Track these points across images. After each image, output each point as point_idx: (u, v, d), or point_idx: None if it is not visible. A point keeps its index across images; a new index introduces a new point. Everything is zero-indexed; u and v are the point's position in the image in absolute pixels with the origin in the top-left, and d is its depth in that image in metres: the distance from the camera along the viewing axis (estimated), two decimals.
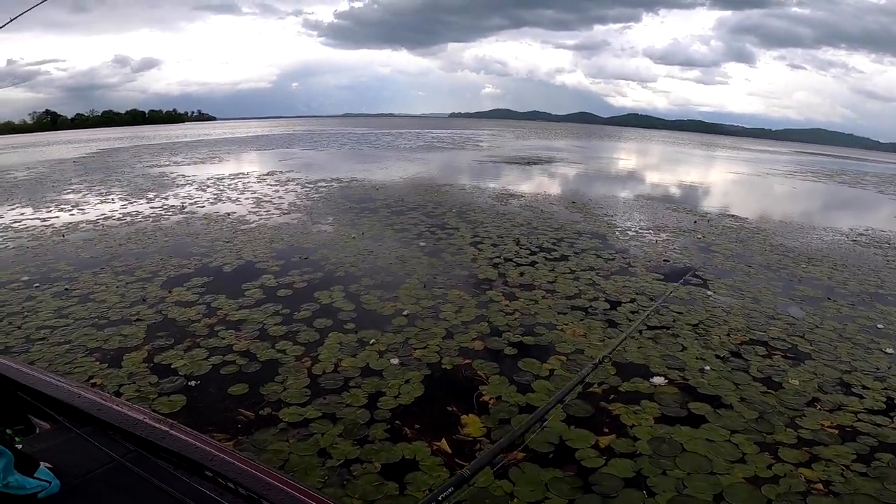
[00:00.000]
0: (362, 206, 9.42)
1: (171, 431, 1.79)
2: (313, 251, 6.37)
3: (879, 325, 4.74)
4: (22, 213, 9.05)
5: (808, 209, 13.22)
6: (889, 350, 4.18)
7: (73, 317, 4.34)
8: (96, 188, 12.08)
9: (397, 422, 2.96)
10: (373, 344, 3.88)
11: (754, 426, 3.05)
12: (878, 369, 3.85)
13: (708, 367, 3.74)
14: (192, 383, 3.31)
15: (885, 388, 3.56)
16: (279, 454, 2.63)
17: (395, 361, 3.62)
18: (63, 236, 7.24)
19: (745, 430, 3.01)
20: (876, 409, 3.30)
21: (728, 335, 4.33)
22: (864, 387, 3.58)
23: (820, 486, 2.57)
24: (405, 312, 4.47)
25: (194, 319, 4.30)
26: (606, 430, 2.96)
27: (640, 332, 4.29)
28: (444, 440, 2.81)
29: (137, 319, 4.30)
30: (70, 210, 9.28)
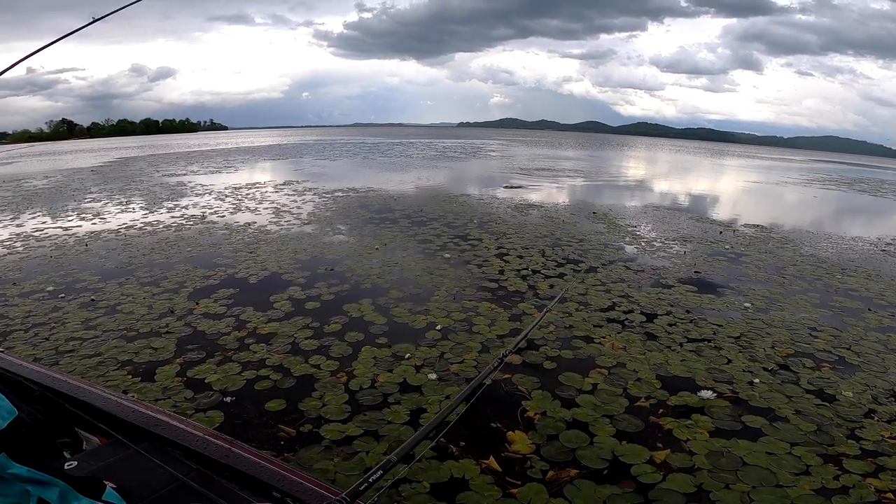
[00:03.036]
0: (382, 217, 9.37)
1: (234, 449, 1.71)
2: (338, 262, 6.31)
3: None
4: (43, 222, 9.11)
5: (832, 218, 12.99)
6: None
7: (101, 328, 4.29)
8: (116, 197, 12.17)
9: (442, 439, 2.83)
10: (408, 358, 3.78)
11: (814, 438, 2.95)
12: None
13: (757, 380, 3.62)
14: (228, 399, 3.22)
15: None
16: (326, 473, 2.53)
17: (432, 377, 3.52)
18: (86, 246, 7.25)
19: (805, 442, 2.91)
20: None
21: (773, 347, 4.19)
22: None
23: (891, 495, 2.48)
24: (438, 326, 4.37)
25: (224, 332, 4.23)
26: (660, 445, 2.85)
27: (681, 344, 4.17)
28: (492, 458, 2.70)
29: (167, 332, 4.24)
30: (91, 219, 9.34)
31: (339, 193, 12.50)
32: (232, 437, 1.82)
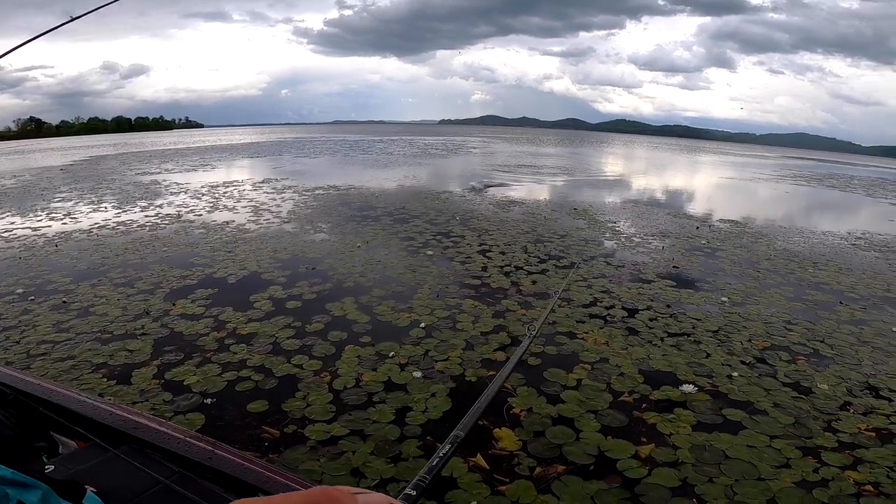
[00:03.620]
0: (364, 215, 9.29)
1: (217, 451, 1.67)
2: (319, 261, 6.23)
3: (894, 329, 4.72)
4: (12, 223, 8.79)
5: (804, 213, 13.37)
6: None
7: (73, 331, 4.16)
8: (87, 196, 11.80)
9: (429, 437, 2.83)
10: (392, 357, 3.75)
11: (793, 431, 3.01)
12: None
13: (735, 374, 3.68)
14: (209, 401, 3.15)
15: None
16: (312, 474, 2.49)
17: (417, 375, 3.49)
18: (56, 246, 7.01)
19: (785, 435, 2.97)
20: None
21: (749, 341, 4.28)
22: (890, 390, 3.55)
23: (870, 487, 2.54)
24: (422, 324, 4.35)
25: (203, 333, 4.14)
26: (644, 440, 2.88)
27: (662, 339, 4.23)
28: (479, 455, 2.69)
29: (143, 334, 4.12)
30: (61, 219, 9.03)
31: (320, 191, 12.36)
32: (215, 439, 1.78)
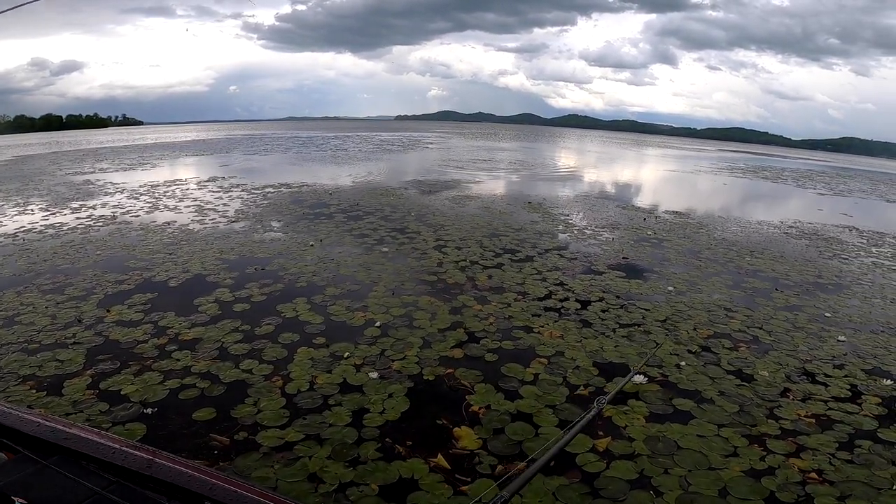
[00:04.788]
0: (317, 212, 9.04)
1: (156, 459, 1.57)
2: (269, 261, 5.99)
3: (827, 314, 5.03)
4: None
5: (740, 204, 14.11)
6: (841, 338, 4.43)
7: None
8: (12, 198, 10.89)
9: (387, 439, 2.77)
10: (347, 358, 3.65)
11: (738, 419, 3.12)
12: (834, 357, 4.06)
13: (683, 363, 3.81)
14: (149, 410, 2.96)
15: (846, 376, 3.74)
16: (266, 481, 2.39)
17: (374, 375, 3.41)
18: None
19: (731, 423, 3.07)
20: (842, 396, 3.46)
21: (695, 329, 4.45)
22: (826, 375, 3.75)
23: (814, 475, 2.64)
24: (377, 323, 4.26)
25: (141, 340, 3.88)
26: (601, 433, 2.92)
27: (614, 330, 4.33)
28: (440, 455, 2.65)
29: (74, 342, 3.83)
30: None
31: (270, 189, 11.94)
32: (155, 448, 1.67)
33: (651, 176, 21.60)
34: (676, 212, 10.77)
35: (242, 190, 11.87)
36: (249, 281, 5.26)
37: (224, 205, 9.85)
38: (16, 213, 9.21)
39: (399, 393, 3.22)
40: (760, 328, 4.57)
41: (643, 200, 12.49)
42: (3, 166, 19.48)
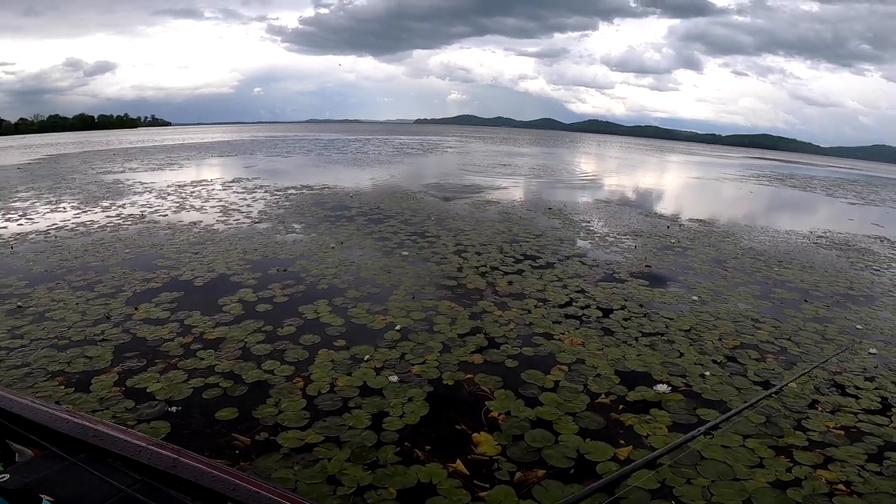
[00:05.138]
0: (338, 215, 9.14)
1: (182, 459, 1.59)
2: (291, 262, 6.07)
3: (858, 326, 4.88)
4: None
5: (768, 212, 13.80)
6: (872, 350, 4.29)
7: (28, 337, 3.93)
8: (45, 196, 11.27)
9: (406, 443, 2.77)
10: (367, 360, 3.67)
11: (764, 430, 3.06)
12: (865, 370, 3.94)
13: (707, 373, 3.74)
14: (174, 409, 3.01)
15: (877, 389, 3.64)
16: (286, 482, 2.41)
17: (393, 379, 3.42)
18: (11, 248, 6.66)
19: (757, 434, 3.01)
20: (873, 409, 3.36)
21: (720, 339, 4.36)
22: (856, 387, 3.65)
23: (841, 486, 2.59)
24: (397, 326, 4.27)
25: (167, 338, 3.96)
26: (622, 442, 2.89)
27: (636, 339, 4.27)
28: (458, 461, 2.64)
29: (103, 339, 3.93)
30: (17, 220, 8.59)
31: (293, 191, 12.11)
32: (180, 447, 1.70)
33: (674, 183, 21.27)
34: (701, 220, 10.57)
35: (265, 191, 12.07)
36: (272, 282, 5.33)
37: (248, 205, 10.03)
38: (48, 210, 9.52)
39: (419, 397, 3.22)
40: (789, 339, 4.46)
41: (666, 208, 12.30)
42: (37, 165, 20.17)
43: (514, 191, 13.81)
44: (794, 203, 17.15)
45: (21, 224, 8.27)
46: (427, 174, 17.30)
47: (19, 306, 4.57)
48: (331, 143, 38.64)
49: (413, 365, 3.64)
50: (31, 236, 7.37)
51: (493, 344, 4.04)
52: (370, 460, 2.62)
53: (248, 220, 8.58)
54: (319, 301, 4.80)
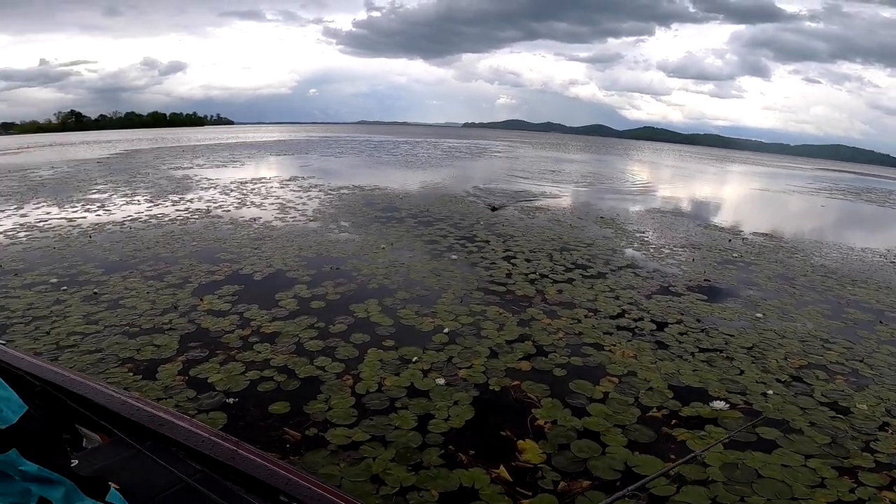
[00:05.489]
0: (388, 216, 9.31)
1: (239, 451, 1.65)
2: (344, 261, 6.24)
3: None
4: (48, 213, 9.08)
5: (841, 228, 12.89)
6: None
7: (103, 323, 4.23)
8: (121, 189, 12.13)
9: (451, 446, 2.78)
10: (415, 362, 3.71)
11: (829, 450, 2.92)
12: None
13: (770, 391, 3.57)
14: (231, 400, 3.15)
15: None
16: (331, 479, 2.46)
17: (440, 382, 3.44)
18: (90, 237, 7.20)
19: (821, 454, 2.88)
20: None
21: (786, 359, 4.13)
22: None
23: None
24: (445, 329, 4.30)
25: (228, 330, 4.16)
26: (673, 457, 2.79)
27: (693, 354, 4.10)
28: (502, 467, 2.63)
29: (170, 328, 4.17)
30: (96, 210, 9.30)
31: (345, 191, 12.44)
32: (238, 439, 1.76)
33: (736, 194, 20.23)
34: (766, 234, 10.00)
35: (319, 190, 12.46)
36: (325, 279, 5.50)
37: (303, 203, 10.39)
38: (124, 202, 10.24)
39: (464, 401, 3.23)
40: (861, 361, 4.17)
41: (727, 220, 11.71)
42: (114, 159, 21.74)
43: (563, 198, 13.58)
44: (870, 219, 15.94)
45: (99, 215, 8.93)
46: (476, 178, 17.29)
47: (95, 293, 4.93)
48: (381, 144, 39.41)
49: (460, 369, 3.65)
50: (108, 227, 7.95)
51: (542, 352, 3.99)
52: (414, 461, 2.64)
53: (304, 218, 8.89)
54: (370, 300, 4.91)
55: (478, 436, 2.91)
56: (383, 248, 6.94)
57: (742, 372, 3.83)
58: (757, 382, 3.69)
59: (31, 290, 4.96)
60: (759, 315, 5.09)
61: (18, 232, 7.52)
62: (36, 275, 5.44)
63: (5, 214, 8.93)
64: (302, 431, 2.86)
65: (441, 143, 45.60)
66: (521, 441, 2.86)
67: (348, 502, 1.50)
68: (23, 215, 8.86)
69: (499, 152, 34.80)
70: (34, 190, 12.04)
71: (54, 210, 9.36)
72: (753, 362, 4.02)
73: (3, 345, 2.32)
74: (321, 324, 4.33)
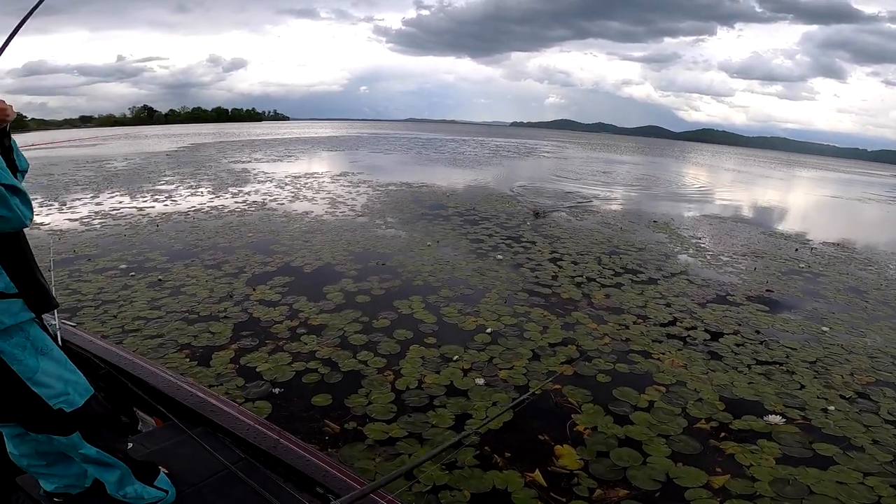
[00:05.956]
0: (435, 213, 9.36)
1: (281, 441, 1.72)
2: (390, 257, 6.34)
3: None
4: (120, 202, 9.74)
5: None
6: None
7: (165, 309, 4.48)
8: (187, 181, 12.85)
9: (486, 448, 2.76)
10: (456, 360, 3.72)
11: (890, 469, 2.74)
12: None
13: (832, 407, 3.36)
14: (277, 390, 3.26)
15: None
16: (366, 473, 2.50)
17: (480, 382, 3.43)
18: (157, 226, 7.67)
19: (881, 472, 2.71)
20: None
21: (851, 375, 3.86)
22: None
23: None
24: (488, 329, 4.28)
25: (277, 321, 4.31)
26: (719, 470, 2.67)
27: (749, 366, 3.89)
28: (537, 471, 2.59)
29: (225, 317, 4.37)
30: (163, 201, 9.89)
31: (393, 187, 12.62)
32: (281, 429, 1.83)
33: (805, 201, 18.96)
34: (837, 244, 9.30)
35: (368, 186, 12.70)
36: (371, 274, 5.60)
37: (352, 199, 10.63)
38: (189, 194, 10.84)
39: (503, 403, 3.20)
40: None
41: (794, 228, 10.97)
42: (181, 152, 23.04)
43: (614, 200, 13.17)
44: None
45: (166, 205, 9.50)
46: (523, 178, 17.08)
47: (160, 280, 5.24)
48: (429, 142, 39.68)
49: (500, 370, 3.63)
50: (174, 216, 8.44)
51: (585, 357, 3.90)
52: (449, 461, 2.64)
53: (353, 213, 9.09)
54: (414, 297, 4.95)
55: (514, 438, 2.87)
56: (429, 246, 6.99)
57: (802, 387, 3.61)
58: (818, 398, 3.48)
59: (101, 275, 5.34)
60: (825, 329, 4.76)
61: (93, 219, 8.12)
62: (107, 260, 5.86)
63: (82, 203, 9.67)
64: (341, 424, 2.92)
65: (488, 141, 45.39)
66: (558, 446, 2.81)
67: (382, 497, 1.52)
68: (98, 204, 9.56)
69: (547, 152, 34.25)
70: (109, 180, 12.96)
71: (126, 199, 10.04)
72: (816, 377, 3.77)
73: (73, 327, 2.51)
74: (365, 318, 4.41)
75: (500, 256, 6.64)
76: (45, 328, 1.39)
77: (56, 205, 9.44)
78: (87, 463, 1.44)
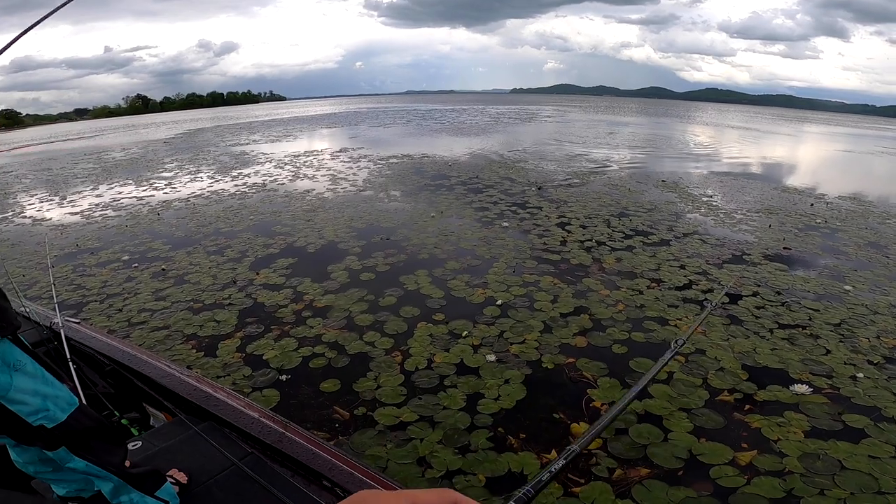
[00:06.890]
0: (437, 184, 9.16)
1: (287, 433, 1.68)
2: (393, 231, 6.19)
3: None
4: (120, 192, 9.64)
5: None
6: None
7: (170, 299, 4.41)
8: (186, 167, 12.69)
9: (500, 429, 2.67)
10: (465, 337, 3.61)
11: None
12: None
13: (860, 375, 3.19)
14: (284, 377, 3.18)
15: None
16: (378, 460, 2.43)
17: (491, 358, 3.33)
18: (158, 215, 7.56)
19: None
20: None
21: (878, 337, 3.68)
22: None
23: None
24: (497, 301, 4.15)
25: (282, 305, 4.22)
26: (745, 445, 2.56)
27: (771, 331, 3.74)
28: (554, 452, 2.50)
29: (229, 304, 4.28)
30: (163, 189, 9.77)
31: (394, 160, 12.38)
32: (286, 420, 1.77)
33: (816, 156, 18.39)
34: (853, 197, 8.99)
35: (369, 160, 12.47)
36: (375, 250, 5.48)
37: (353, 174, 10.43)
38: (189, 179, 10.70)
39: (516, 380, 3.10)
40: None
41: (807, 183, 10.61)
42: (179, 139, 22.83)
43: (620, 161, 12.79)
44: None
45: (167, 192, 9.38)
46: (526, 144, 16.67)
47: (163, 269, 5.16)
48: (429, 112, 38.97)
49: (511, 344, 3.52)
50: (174, 204, 8.32)
51: (599, 326, 3.78)
52: (462, 444, 2.56)
53: (354, 189, 8.91)
54: (419, 271, 4.83)
55: (529, 418, 2.78)
56: (433, 217, 6.84)
57: (828, 352, 3.45)
58: (845, 364, 3.31)
59: (105, 268, 5.27)
60: (847, 287, 4.58)
61: (94, 212, 8.03)
62: (110, 253, 5.78)
63: (83, 195, 9.58)
64: (351, 411, 2.84)
65: (488, 109, 44.47)
66: (574, 424, 2.71)
67: (389, 488, 1.47)
68: (98, 196, 9.47)
69: (548, 117, 33.48)
70: (108, 171, 12.84)
71: (126, 189, 9.94)
72: (842, 341, 3.61)
73: (78, 323, 2.42)
74: (371, 296, 4.31)
75: (506, 224, 6.47)
76: (19, 342, 1.30)
77: (56, 199, 9.37)
78: (78, 475, 1.38)
